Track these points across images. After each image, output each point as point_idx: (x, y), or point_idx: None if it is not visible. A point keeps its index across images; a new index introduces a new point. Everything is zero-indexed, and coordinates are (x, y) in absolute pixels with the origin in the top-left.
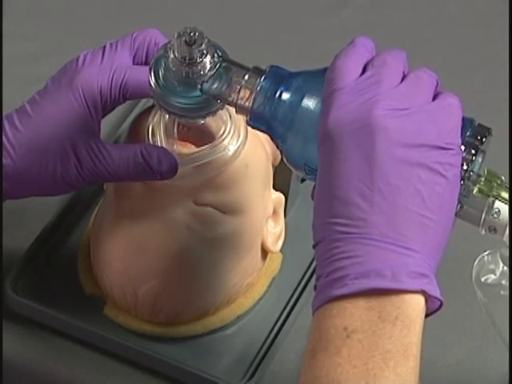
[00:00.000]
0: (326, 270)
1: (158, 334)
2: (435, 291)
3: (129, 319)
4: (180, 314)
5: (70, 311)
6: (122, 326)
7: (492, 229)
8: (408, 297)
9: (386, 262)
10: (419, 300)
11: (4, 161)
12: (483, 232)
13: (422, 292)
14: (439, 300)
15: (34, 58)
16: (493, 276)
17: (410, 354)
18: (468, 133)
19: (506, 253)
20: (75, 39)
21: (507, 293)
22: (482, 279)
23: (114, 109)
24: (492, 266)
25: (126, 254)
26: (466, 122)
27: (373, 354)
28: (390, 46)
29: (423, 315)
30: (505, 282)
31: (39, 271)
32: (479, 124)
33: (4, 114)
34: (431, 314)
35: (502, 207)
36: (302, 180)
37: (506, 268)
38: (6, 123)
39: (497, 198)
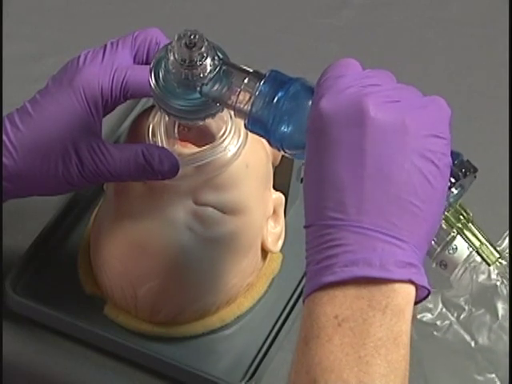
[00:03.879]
0: (317, 258)
1: (158, 334)
2: (423, 281)
3: (129, 319)
4: (180, 313)
5: (70, 311)
6: (122, 325)
7: (443, 264)
8: (397, 286)
9: (374, 251)
10: (408, 289)
11: (6, 161)
12: (434, 265)
13: (410, 281)
14: (427, 289)
15: (34, 58)
16: (429, 315)
17: (400, 341)
18: (455, 162)
19: (448, 294)
20: (75, 39)
21: (440, 334)
22: (418, 316)
23: (114, 108)
24: (430, 305)
25: (126, 254)
26: (454, 154)
27: (364, 342)
28: (390, 46)
29: (412, 304)
30: (440, 323)
31: (39, 271)
32: (467, 160)
33: (4, 113)
34: (419, 301)
35: (460, 246)
36: (302, 180)
37: (444, 310)
38: (7, 123)
39: (459, 233)
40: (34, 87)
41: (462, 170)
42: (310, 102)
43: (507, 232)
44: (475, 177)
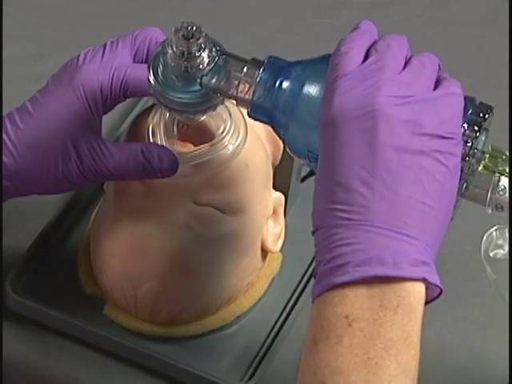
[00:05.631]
0: (326, 257)
1: (158, 334)
2: (435, 279)
3: (129, 319)
4: (180, 313)
5: (70, 311)
6: (122, 325)
7: (499, 207)
8: (409, 285)
9: (387, 249)
10: (420, 288)
11: (6, 159)
12: (490, 211)
13: (423, 279)
14: (439, 288)
15: (34, 58)
16: (501, 251)
17: (410, 342)
18: (470, 110)
19: None
20: (75, 39)
21: None
22: (491, 254)
23: (114, 106)
24: (500, 242)
25: (125, 254)
26: (468, 101)
27: (374, 343)
28: None
29: (423, 303)
30: None
31: (39, 271)
32: (481, 102)
33: (4, 113)
34: (431, 301)
35: (507, 184)
36: (302, 180)
37: None
38: (7, 122)
39: (502, 174)
40: (34, 87)
41: (479, 114)
42: (311, 86)
43: (507, 229)
44: (493, 113)
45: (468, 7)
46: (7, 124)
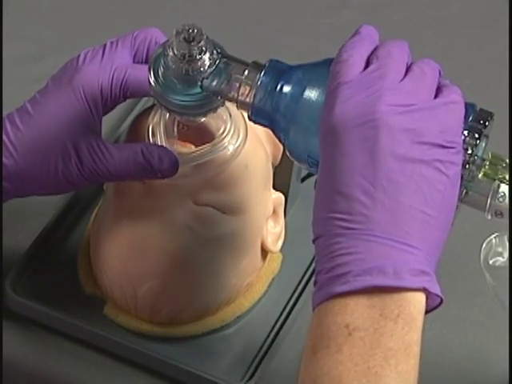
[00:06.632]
0: (327, 266)
1: (158, 334)
2: (436, 288)
3: (129, 319)
4: (180, 313)
5: (70, 311)
6: (121, 325)
7: (498, 213)
8: (409, 294)
9: (387, 259)
10: (420, 297)
11: (6, 160)
12: (489, 217)
13: (423, 289)
14: (439, 297)
15: (34, 58)
16: (501, 259)
17: (410, 351)
18: (471, 117)
19: None
20: (75, 39)
21: None
22: (490, 262)
23: (114, 107)
24: (500, 249)
25: (125, 254)
26: (468, 107)
27: (374, 352)
28: None
29: (423, 312)
30: None
31: (39, 271)
32: (481, 109)
33: (4, 113)
34: (431, 310)
35: (507, 191)
36: (302, 180)
37: None
38: (7, 123)
39: (502, 182)
40: (34, 87)
41: (480, 121)
42: (312, 91)
43: (506, 237)
44: (493, 120)
45: (468, 7)
46: (7, 125)
